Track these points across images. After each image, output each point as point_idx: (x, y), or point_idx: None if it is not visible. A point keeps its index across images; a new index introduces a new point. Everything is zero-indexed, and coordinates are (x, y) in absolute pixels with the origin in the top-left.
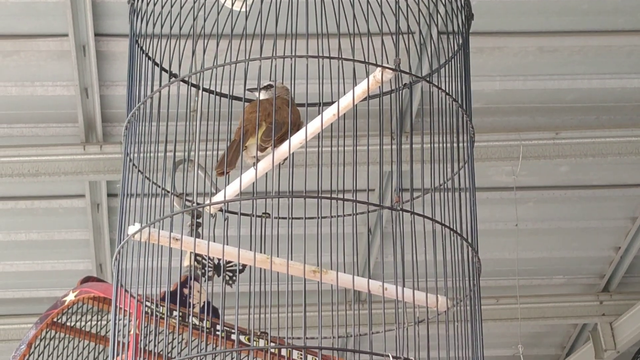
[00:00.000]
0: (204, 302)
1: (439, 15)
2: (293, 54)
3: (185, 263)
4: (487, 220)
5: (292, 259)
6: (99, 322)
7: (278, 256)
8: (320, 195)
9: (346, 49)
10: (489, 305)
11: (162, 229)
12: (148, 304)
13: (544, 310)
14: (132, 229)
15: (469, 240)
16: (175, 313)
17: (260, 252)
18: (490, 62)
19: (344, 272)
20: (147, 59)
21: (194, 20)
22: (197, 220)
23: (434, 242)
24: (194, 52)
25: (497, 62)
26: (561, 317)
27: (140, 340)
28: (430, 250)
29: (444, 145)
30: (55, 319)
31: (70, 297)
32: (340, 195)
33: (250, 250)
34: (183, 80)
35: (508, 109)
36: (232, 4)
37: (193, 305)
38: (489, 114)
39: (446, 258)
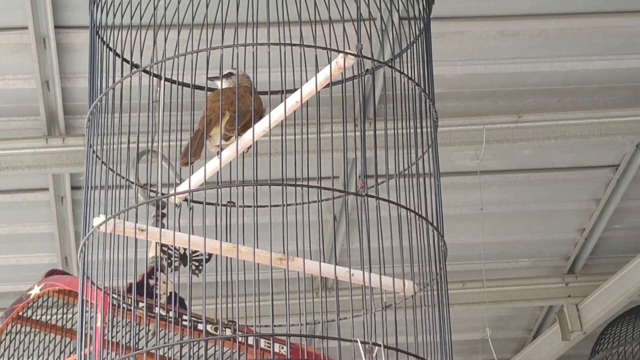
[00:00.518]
0: (170, 293)
1: (399, 0)
2: (255, 42)
3: (151, 254)
4: (452, 205)
5: (258, 248)
6: (65, 315)
7: (244, 245)
8: (285, 182)
9: (308, 36)
10: (456, 290)
11: (127, 220)
12: (114, 295)
13: (510, 293)
14: (97, 220)
15: (435, 224)
16: (141, 304)
17: (226, 241)
18: (452, 47)
19: (311, 260)
20: (108, 50)
21: (154, 9)
22: (162, 211)
23: (399, 227)
24: (155, 42)
25: (458, 46)
26: (527, 300)
27: (107, 332)
28: (396, 235)
29: (408, 130)
30: (20, 313)
31: (35, 290)
32: (305, 183)
33: (216, 239)
34: (145, 71)
35: (470, 94)
36: None
37: (159, 296)
38: (451, 99)
39: (412, 243)
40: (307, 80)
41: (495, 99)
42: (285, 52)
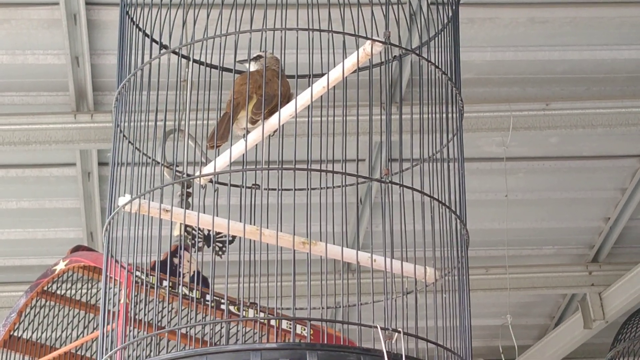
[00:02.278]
0: (194, 272)
1: None
2: (283, 25)
3: (175, 233)
4: (477, 191)
5: (282, 229)
6: (89, 291)
7: (268, 226)
8: (309, 167)
9: (336, 19)
10: (479, 275)
11: (153, 200)
12: (138, 273)
13: (533, 280)
14: (122, 200)
15: (458, 212)
16: (165, 283)
17: (250, 223)
18: (481, 32)
19: (334, 242)
20: (137, 30)
21: None
22: (187, 190)
23: (422, 214)
24: (184, 23)
25: (488, 32)
26: (550, 287)
27: (130, 310)
28: (419, 222)
29: (433, 116)
30: (45, 288)
31: (61, 265)
32: (330, 166)
33: (240, 221)
34: (173, 52)
35: (499, 80)
36: None
37: (183, 274)
38: (480, 85)
39: (435, 230)
40: (334, 64)
41: (523, 85)
42: (313, 37)
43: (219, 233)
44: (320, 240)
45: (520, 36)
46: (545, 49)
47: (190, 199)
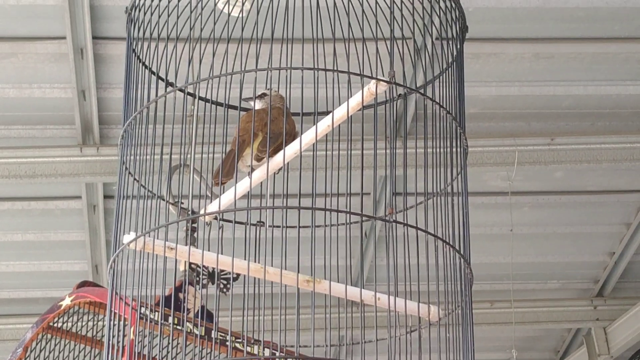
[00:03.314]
0: (200, 307)
1: (433, 26)
2: (288, 61)
3: (181, 268)
4: (482, 225)
5: (286, 263)
6: (95, 327)
7: (272, 260)
8: (314, 206)
9: (341, 54)
10: (484, 309)
11: (157, 237)
12: (143, 309)
13: (538, 314)
14: (127, 237)
15: (462, 251)
16: (170, 319)
17: (255, 259)
18: (487, 67)
19: (338, 276)
20: (143, 67)
21: (190, 29)
22: (192, 224)
23: (426, 253)
24: (190, 61)
25: (493, 67)
26: (555, 322)
27: (135, 345)
28: (423, 257)
29: (438, 156)
30: (51, 323)
31: (67, 301)
32: (335, 200)
33: (245, 258)
34: (180, 90)
35: (504, 115)
36: (230, 10)
37: (188, 310)
38: (485, 119)
39: (439, 268)
40: (339, 100)
41: (528, 120)
42: (318, 75)
43: (224, 270)
44: (325, 275)
45: (525, 71)
46: (550, 84)
47: (195, 234)
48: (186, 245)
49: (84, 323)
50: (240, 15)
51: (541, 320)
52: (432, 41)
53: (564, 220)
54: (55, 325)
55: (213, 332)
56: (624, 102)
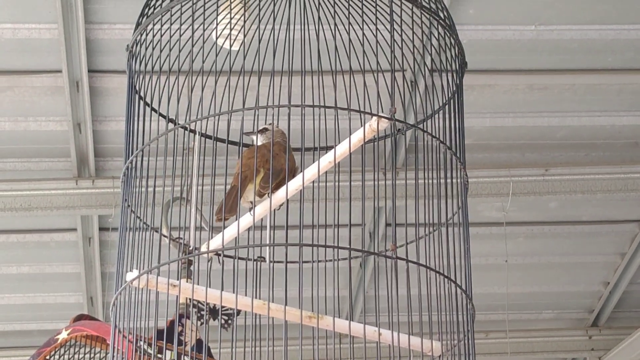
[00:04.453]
0: (197, 340)
1: (433, 62)
2: (289, 97)
3: (181, 300)
4: (477, 255)
5: (287, 297)
6: None
7: (274, 294)
8: (315, 243)
9: (342, 88)
10: (479, 340)
11: (159, 274)
12: (141, 343)
13: (533, 344)
14: (130, 275)
15: (463, 286)
16: (168, 353)
17: (255, 292)
18: (481, 99)
19: (339, 308)
20: (144, 105)
21: (190, 68)
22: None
23: (428, 289)
24: (189, 104)
25: (488, 99)
26: (550, 352)
27: None
28: (424, 291)
29: (439, 187)
30: (47, 357)
31: (63, 335)
32: (335, 231)
33: (244, 291)
34: (182, 127)
35: (498, 146)
36: (230, 45)
37: (185, 343)
38: (480, 151)
39: (440, 302)
40: (339, 136)
41: (522, 151)
42: (319, 112)
43: (224, 306)
44: (325, 308)
45: (519, 102)
46: (544, 115)
47: (191, 267)
48: (180, 278)
49: (80, 356)
50: (240, 48)
51: (536, 351)
52: (432, 76)
53: (558, 250)
54: (52, 359)
55: None
56: (618, 132)
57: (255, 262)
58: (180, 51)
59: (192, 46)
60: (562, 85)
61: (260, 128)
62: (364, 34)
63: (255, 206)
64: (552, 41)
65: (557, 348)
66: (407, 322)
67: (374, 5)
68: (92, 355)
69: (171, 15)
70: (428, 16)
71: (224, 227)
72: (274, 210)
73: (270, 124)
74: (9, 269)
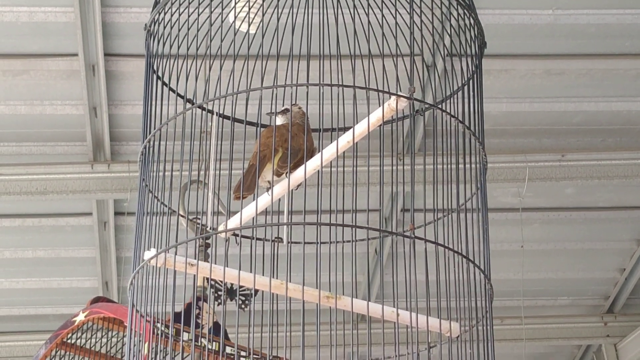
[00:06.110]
0: (213, 323)
1: (452, 43)
2: (308, 77)
3: (199, 283)
4: (492, 241)
5: (305, 279)
6: (109, 342)
7: (290, 276)
8: (333, 222)
9: (360, 70)
10: (494, 326)
11: (177, 253)
12: (159, 325)
13: (549, 331)
14: (147, 254)
15: (481, 266)
16: (184, 334)
17: (272, 274)
18: (497, 84)
19: (356, 292)
20: (162, 84)
21: (208, 45)
22: (206, 241)
23: (446, 268)
24: (207, 80)
25: (504, 84)
26: (565, 338)
27: None
28: (441, 274)
29: (457, 169)
30: (64, 339)
31: (80, 317)
32: (349, 215)
33: (261, 274)
34: (199, 107)
35: (514, 131)
36: (248, 27)
37: (202, 326)
38: (496, 136)
39: (459, 284)
40: (356, 117)
41: (539, 137)
42: (338, 93)
43: (242, 286)
44: (343, 291)
45: (536, 88)
46: (561, 101)
47: (209, 250)
48: (198, 259)
49: (97, 339)
50: (258, 31)
51: (551, 337)
52: (451, 57)
53: (574, 236)
54: (69, 341)
55: (229, 348)
56: (635, 118)
57: (272, 244)
58: (198, 31)
59: (210, 27)
60: (579, 70)
61: (282, 109)
62: (383, 16)
63: (273, 186)
64: (569, 26)
65: (572, 334)
66: (425, 305)
67: None
68: (109, 337)
69: None
70: None
71: (242, 207)
72: (292, 190)
73: (293, 104)
74: (24, 253)
